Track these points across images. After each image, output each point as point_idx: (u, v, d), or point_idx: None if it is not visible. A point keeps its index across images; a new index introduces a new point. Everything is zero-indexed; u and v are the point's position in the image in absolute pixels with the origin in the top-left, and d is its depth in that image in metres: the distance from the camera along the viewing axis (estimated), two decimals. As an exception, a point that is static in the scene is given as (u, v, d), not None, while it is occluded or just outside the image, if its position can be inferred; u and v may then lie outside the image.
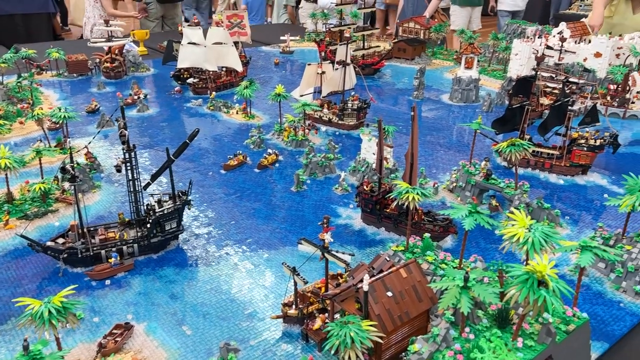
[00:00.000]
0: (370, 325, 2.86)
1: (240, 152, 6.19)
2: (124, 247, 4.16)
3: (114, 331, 3.43)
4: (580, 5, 15.73)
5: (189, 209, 4.49)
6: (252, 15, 15.04)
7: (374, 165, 5.52)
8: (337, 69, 7.21)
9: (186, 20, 14.46)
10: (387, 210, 4.64)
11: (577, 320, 3.06)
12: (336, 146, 6.49)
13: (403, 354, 3.02)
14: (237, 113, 7.67)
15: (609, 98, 7.60)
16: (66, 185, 5.16)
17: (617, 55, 8.50)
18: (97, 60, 9.36)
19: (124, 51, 9.45)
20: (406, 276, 3.14)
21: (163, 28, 13.92)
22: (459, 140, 7.05)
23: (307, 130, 6.74)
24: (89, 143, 5.39)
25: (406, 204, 3.82)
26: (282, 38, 12.22)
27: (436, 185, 5.36)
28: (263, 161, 6.04)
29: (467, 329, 2.98)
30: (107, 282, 3.98)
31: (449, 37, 11.57)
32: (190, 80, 8.40)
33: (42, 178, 5.12)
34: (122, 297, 3.85)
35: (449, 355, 2.82)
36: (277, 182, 5.74)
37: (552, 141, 5.91)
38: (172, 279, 4.07)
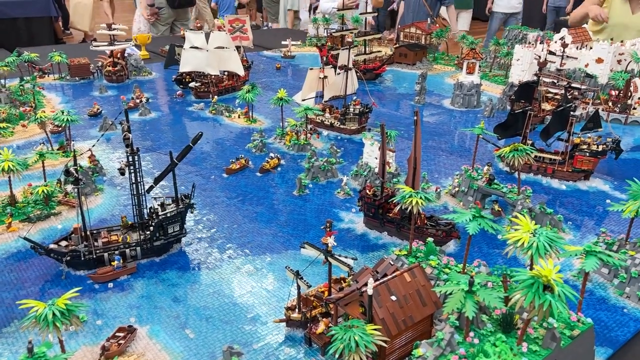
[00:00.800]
0: (375, 329, 2.86)
1: (243, 156, 6.20)
2: (127, 250, 4.16)
3: (117, 334, 3.42)
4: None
5: (192, 212, 4.48)
6: (223, 12, 15.09)
7: (376, 170, 5.52)
8: (339, 73, 7.23)
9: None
10: (390, 215, 4.64)
11: (582, 326, 3.06)
12: (338, 150, 6.50)
13: (407, 358, 3.01)
14: (239, 117, 7.68)
15: (610, 104, 7.61)
16: (69, 188, 5.16)
17: (619, 61, 8.53)
18: (100, 63, 9.38)
19: (125, 55, 9.47)
20: (410, 280, 3.14)
21: (173, 32, 13.92)
22: (461, 145, 7.06)
23: (309, 135, 6.75)
24: (93, 146, 5.39)
25: (409, 208, 3.82)
26: (283, 43, 12.26)
27: (438, 190, 5.37)
28: (265, 165, 6.04)
29: (471, 334, 2.97)
30: (110, 285, 3.98)
31: (450, 42, 11.60)
32: (192, 84, 8.42)
33: (45, 181, 5.12)
34: (125, 300, 3.85)
35: (453, 360, 2.82)
36: (279, 186, 5.74)
37: (554, 146, 5.93)
38: (175, 282, 4.07)
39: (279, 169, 6.12)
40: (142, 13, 13.67)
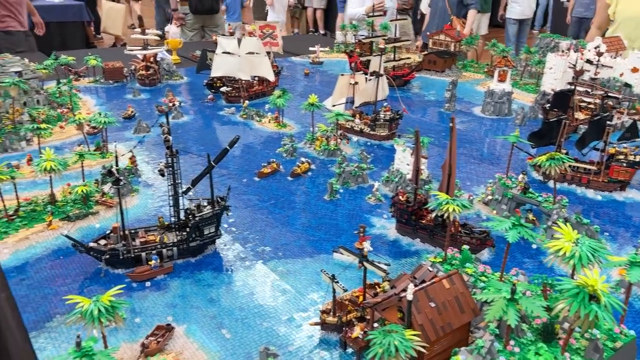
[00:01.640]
0: (414, 335, 2.85)
1: (274, 160, 6.25)
2: (164, 250, 4.23)
3: (156, 332, 3.49)
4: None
5: (227, 214, 4.54)
6: (230, 15, 15.20)
7: (408, 176, 5.52)
8: (369, 79, 7.25)
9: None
10: (423, 221, 4.63)
11: (624, 338, 3.01)
12: (368, 156, 6.51)
13: (445, 365, 3.01)
14: (269, 122, 7.75)
15: (645, 114, 7.47)
16: (106, 188, 5.28)
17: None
18: (133, 67, 9.57)
19: (158, 59, 9.64)
20: (449, 287, 3.13)
21: (204, 37, 14.10)
22: (491, 153, 7.01)
23: (339, 140, 6.77)
24: (134, 147, 5.52)
25: (446, 215, 3.81)
26: (311, 49, 12.34)
27: (471, 197, 5.33)
28: (296, 169, 6.09)
29: (511, 342, 2.95)
30: (147, 283, 4.05)
31: (480, 49, 11.53)
32: (223, 89, 8.53)
33: (84, 181, 5.24)
34: (162, 299, 3.91)
35: (493, 368, 2.80)
36: (310, 190, 5.77)
37: (589, 156, 5.85)
38: (210, 283, 4.12)
39: (309, 173, 6.15)
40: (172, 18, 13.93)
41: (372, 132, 7.16)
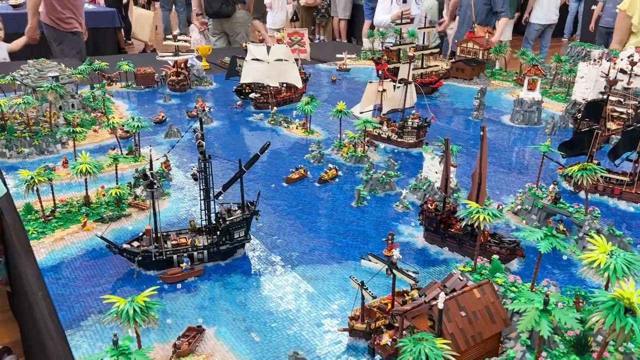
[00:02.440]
0: (444, 344, 2.85)
1: (302, 166, 6.30)
2: (195, 253, 4.31)
3: (187, 333, 3.55)
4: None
5: (257, 219, 4.60)
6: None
7: (436, 184, 5.50)
8: (398, 87, 7.26)
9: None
10: (452, 230, 4.61)
11: (660, 353, 2.95)
12: (395, 163, 6.51)
13: (475, 375, 2.99)
14: (296, 128, 7.82)
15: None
16: (138, 191, 5.40)
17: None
18: (164, 73, 9.76)
19: (188, 65, 9.82)
20: (480, 297, 3.12)
21: (230, 44, 14.22)
22: (520, 162, 6.94)
23: (366, 147, 6.79)
24: (168, 152, 5.64)
25: (476, 224, 3.80)
26: (338, 56, 12.41)
27: (501, 207, 5.29)
28: (324, 176, 6.13)
29: (543, 354, 2.92)
30: (179, 285, 4.13)
31: (509, 58, 11.43)
32: (252, 95, 8.63)
33: (117, 184, 5.37)
34: (192, 301, 3.98)
35: (524, 379, 2.77)
36: (337, 196, 5.80)
37: (621, 167, 5.74)
38: (239, 286, 4.18)
39: (336, 180, 6.18)
40: (193, 23, 14.11)
41: (399, 140, 7.16)
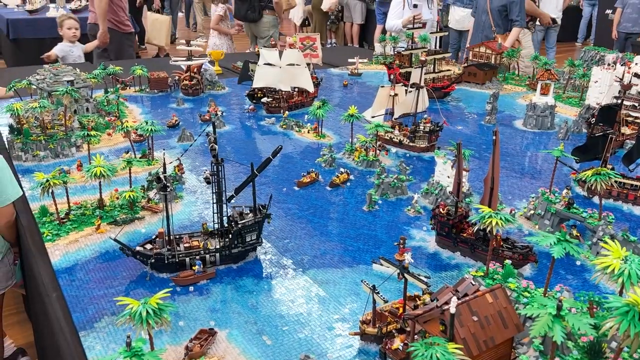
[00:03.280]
0: (456, 348, 2.84)
1: (313, 170, 6.32)
2: (207, 256, 4.33)
3: (199, 336, 3.57)
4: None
5: (269, 222, 4.62)
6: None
7: (448, 189, 5.49)
8: (410, 91, 7.26)
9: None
10: (464, 235, 4.60)
11: (676, 360, 2.91)
12: (407, 168, 6.50)
13: (487, 380, 2.97)
14: (308, 132, 7.84)
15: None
16: (151, 194, 5.45)
17: None
18: (177, 77, 9.85)
19: (201, 70, 9.90)
20: (492, 301, 3.10)
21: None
22: (533, 167, 6.90)
23: (377, 151, 6.79)
24: (181, 155, 5.69)
25: (489, 228, 3.78)
26: (350, 60, 12.43)
27: (513, 212, 5.26)
28: (335, 180, 6.13)
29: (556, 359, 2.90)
30: (191, 288, 4.16)
31: (518, 59, 11.37)
32: (264, 100, 8.68)
33: (130, 187, 5.42)
34: (204, 303, 4.01)
35: (537, 385, 2.75)
36: (348, 200, 5.81)
37: (636, 172, 5.69)
38: (251, 289, 4.20)
39: (348, 184, 6.19)
40: (212, 28, 14.27)
41: (411, 144, 7.15)
